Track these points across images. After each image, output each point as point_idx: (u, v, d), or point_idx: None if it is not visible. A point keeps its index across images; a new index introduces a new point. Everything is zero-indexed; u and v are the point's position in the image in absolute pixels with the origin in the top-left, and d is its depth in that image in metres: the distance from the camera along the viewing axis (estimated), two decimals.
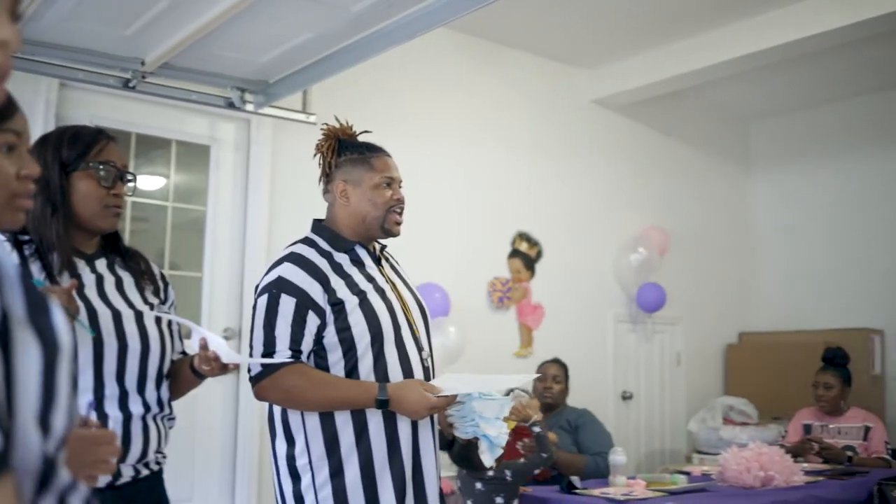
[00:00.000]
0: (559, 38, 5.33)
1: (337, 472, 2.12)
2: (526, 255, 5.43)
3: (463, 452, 2.82)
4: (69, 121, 3.53)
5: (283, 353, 2.12)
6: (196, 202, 4.30)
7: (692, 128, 6.57)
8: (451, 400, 2.17)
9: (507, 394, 2.49)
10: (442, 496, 2.30)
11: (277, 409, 2.21)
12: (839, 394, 4.50)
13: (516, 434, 3.30)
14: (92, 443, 1.37)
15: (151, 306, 2.06)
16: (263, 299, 2.17)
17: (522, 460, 3.20)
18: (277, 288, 2.15)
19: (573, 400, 4.55)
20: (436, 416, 2.27)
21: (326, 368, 2.15)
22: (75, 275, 1.92)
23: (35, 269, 1.89)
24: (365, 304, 2.17)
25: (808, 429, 4.57)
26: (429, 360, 2.30)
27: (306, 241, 2.29)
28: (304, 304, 2.13)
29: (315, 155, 2.35)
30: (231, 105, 3.57)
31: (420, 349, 2.26)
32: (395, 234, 2.32)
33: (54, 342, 0.70)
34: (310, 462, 2.14)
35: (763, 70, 5.57)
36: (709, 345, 6.46)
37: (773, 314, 6.61)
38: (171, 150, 4.24)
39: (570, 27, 5.16)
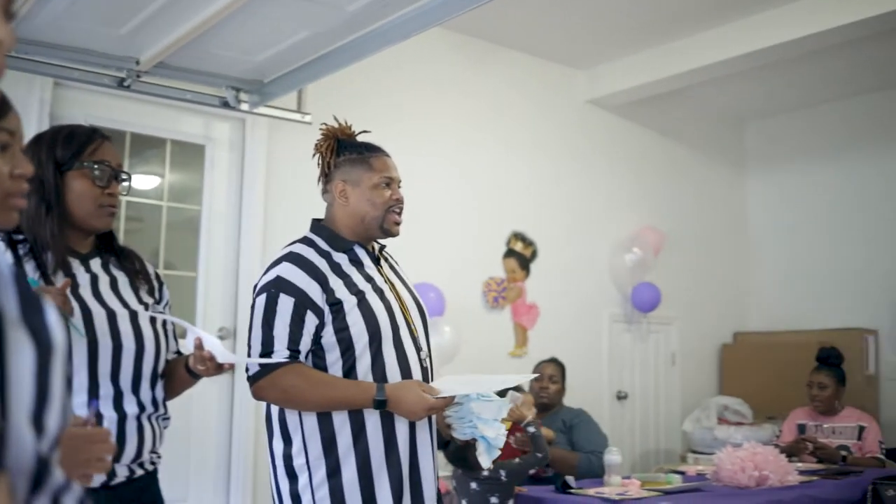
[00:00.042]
0: (554, 38, 5.33)
1: (334, 472, 2.12)
2: (521, 255, 5.43)
3: (458, 451, 2.81)
4: (63, 120, 3.52)
5: (281, 353, 2.12)
6: (191, 202, 4.30)
7: (687, 127, 6.58)
8: (450, 401, 2.17)
9: (503, 394, 2.49)
10: (440, 496, 2.29)
11: (275, 409, 2.21)
12: (833, 393, 4.51)
13: (510, 430, 3.29)
14: (86, 441, 1.37)
15: (146, 306, 2.05)
16: (262, 299, 2.16)
17: (517, 460, 3.19)
18: (276, 287, 2.15)
19: (568, 400, 4.56)
20: (434, 417, 2.26)
21: (324, 368, 2.15)
22: (70, 274, 1.92)
23: (29, 268, 1.89)
24: (363, 304, 2.17)
25: (802, 428, 4.58)
26: (427, 360, 2.29)
27: (305, 240, 2.28)
28: (303, 303, 2.13)
29: (314, 155, 2.35)
30: (226, 104, 3.57)
31: (419, 349, 2.26)
32: (394, 234, 2.32)
33: (48, 342, 0.70)
34: (307, 462, 2.14)
35: (760, 70, 5.56)
36: (704, 344, 6.47)
37: (768, 314, 6.62)
38: (165, 149, 4.23)
39: (566, 27, 5.16)
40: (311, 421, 2.14)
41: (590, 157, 5.88)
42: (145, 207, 4.19)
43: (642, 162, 6.20)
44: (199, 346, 1.93)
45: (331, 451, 2.13)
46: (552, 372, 4.49)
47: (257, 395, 2.18)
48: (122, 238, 2.24)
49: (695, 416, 5.91)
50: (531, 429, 3.20)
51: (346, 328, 2.14)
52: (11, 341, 0.66)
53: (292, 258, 2.20)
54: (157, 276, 2.19)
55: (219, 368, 1.97)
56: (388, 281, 2.29)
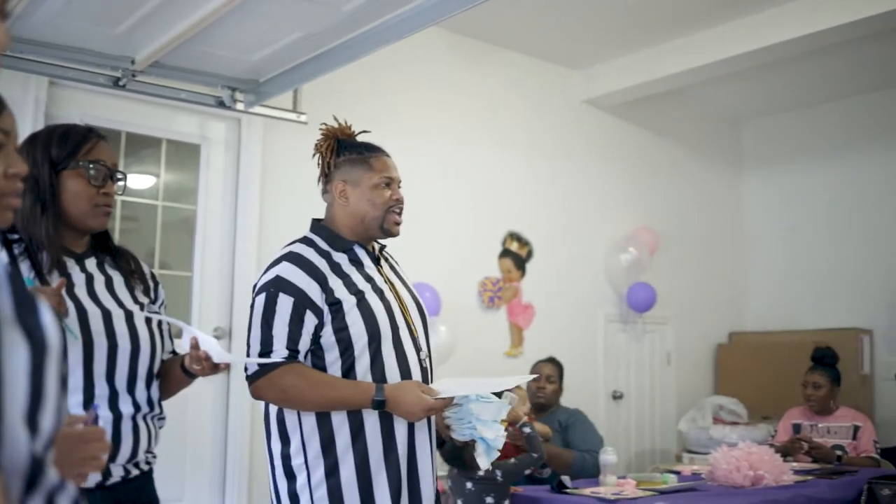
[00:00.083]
0: (550, 38, 5.33)
1: (332, 472, 2.12)
2: (516, 255, 5.44)
3: (454, 451, 2.81)
4: (59, 119, 3.51)
5: (280, 353, 2.11)
6: (186, 201, 4.29)
7: (683, 127, 6.59)
8: (449, 402, 2.16)
9: (500, 395, 2.49)
10: (438, 497, 2.29)
11: (273, 409, 2.21)
12: (828, 393, 4.52)
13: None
14: (80, 440, 1.37)
15: (141, 306, 2.05)
16: (261, 298, 2.16)
17: (513, 460, 3.19)
18: (275, 287, 2.15)
19: (563, 400, 4.55)
20: (433, 418, 2.26)
21: (323, 368, 2.15)
22: (65, 274, 1.91)
23: (24, 268, 1.89)
24: (363, 304, 2.17)
25: (797, 428, 4.59)
26: (427, 360, 2.29)
27: (305, 240, 2.28)
28: (302, 303, 2.13)
29: (314, 155, 2.34)
30: (221, 104, 3.57)
31: (418, 350, 2.25)
32: (394, 235, 2.31)
33: (42, 342, 0.70)
34: (305, 461, 2.14)
35: (758, 69, 5.56)
36: (699, 344, 6.47)
37: (764, 314, 6.63)
38: (161, 148, 4.23)
39: (562, 27, 5.16)
40: (309, 421, 2.14)
41: (586, 156, 5.88)
42: (140, 207, 4.18)
43: (638, 162, 6.21)
44: (194, 345, 1.93)
45: (329, 451, 2.13)
46: (549, 372, 4.49)
47: (256, 395, 2.17)
48: (117, 238, 2.24)
49: (690, 416, 5.92)
50: (527, 429, 3.20)
51: (346, 328, 2.14)
52: (6, 341, 0.66)
53: (292, 258, 2.20)
54: (153, 276, 2.18)
55: (215, 368, 1.97)
56: (388, 281, 2.29)
